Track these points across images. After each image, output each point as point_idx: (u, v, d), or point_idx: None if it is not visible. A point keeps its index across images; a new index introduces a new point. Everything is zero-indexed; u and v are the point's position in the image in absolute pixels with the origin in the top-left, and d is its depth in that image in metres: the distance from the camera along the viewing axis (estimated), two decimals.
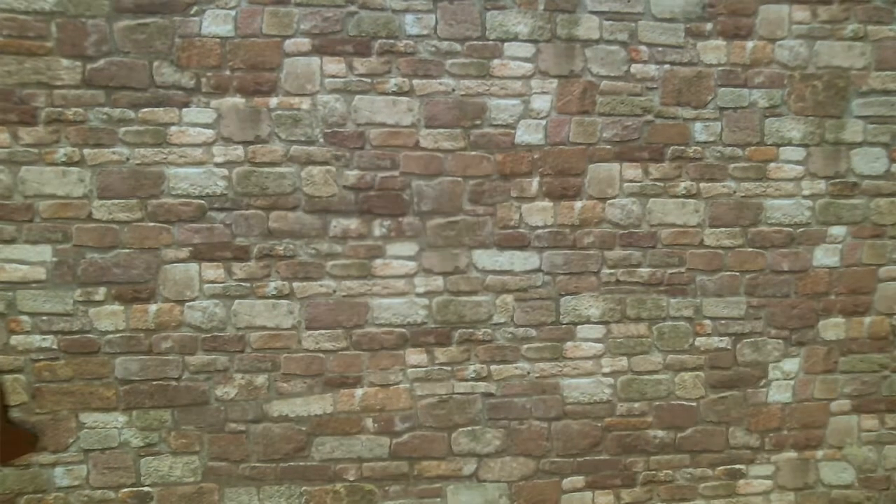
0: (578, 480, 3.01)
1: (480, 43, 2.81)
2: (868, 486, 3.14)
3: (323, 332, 2.83)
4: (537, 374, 2.95)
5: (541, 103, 2.87)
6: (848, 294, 3.07)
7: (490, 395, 2.94)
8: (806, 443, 3.11)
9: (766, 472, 3.10)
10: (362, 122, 2.78)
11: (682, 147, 2.96)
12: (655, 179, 2.96)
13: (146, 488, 2.81)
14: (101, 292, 2.71)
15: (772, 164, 3.01)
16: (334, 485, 2.89)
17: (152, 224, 2.73)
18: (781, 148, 3.01)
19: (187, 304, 2.77)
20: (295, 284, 2.79)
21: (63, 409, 2.74)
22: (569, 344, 2.96)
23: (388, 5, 2.75)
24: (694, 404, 3.04)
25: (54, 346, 2.71)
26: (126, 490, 2.80)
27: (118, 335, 2.74)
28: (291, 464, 2.86)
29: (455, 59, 2.81)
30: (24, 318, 2.69)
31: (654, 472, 3.05)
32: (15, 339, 2.69)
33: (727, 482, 3.09)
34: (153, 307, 2.75)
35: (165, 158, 2.71)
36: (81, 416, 2.75)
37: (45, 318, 2.70)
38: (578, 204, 2.92)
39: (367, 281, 2.83)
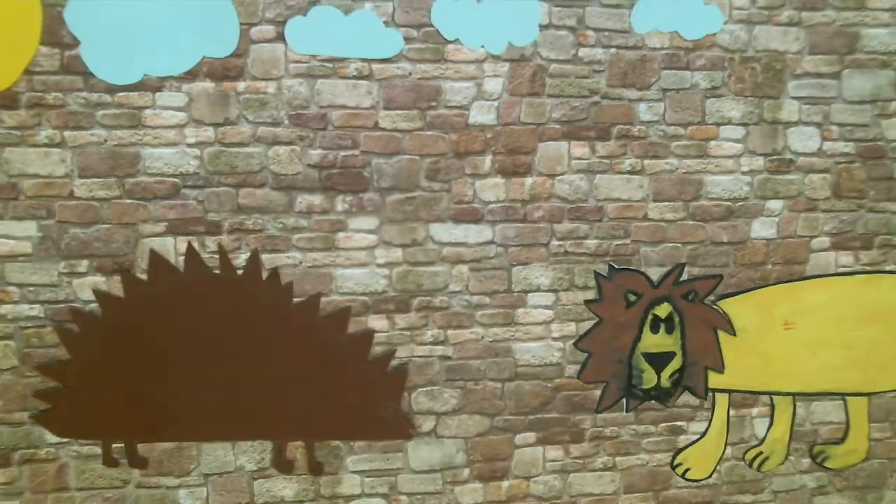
0: (530, 437, 3.25)
1: (434, 28, 2.98)
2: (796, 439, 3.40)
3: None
4: (491, 339, 3.17)
5: (493, 86, 3.05)
6: (784, 264, 3.29)
7: (447, 357, 3.16)
8: (742, 401, 3.35)
9: (706, 427, 3.34)
10: (325, 105, 2.97)
11: (628, 126, 3.14)
12: (602, 157, 3.15)
13: None
14: (83, 265, 2.91)
15: (712, 142, 3.20)
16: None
17: (130, 201, 2.92)
18: (721, 127, 3.20)
19: None
20: (264, 256, 3.00)
21: None
22: (520, 310, 3.18)
23: None
24: None
25: (41, 315, 2.92)
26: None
27: None
28: None
29: (412, 45, 2.98)
30: (13, 288, 2.89)
31: (600, 428, 3.29)
32: (4, 309, 2.90)
33: (669, 438, 3.33)
34: None
35: (141, 139, 2.90)
36: None
37: (31, 288, 2.90)
38: (529, 180, 3.11)
39: (331, 253, 3.04)
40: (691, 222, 3.23)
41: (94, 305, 2.92)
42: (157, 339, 2.95)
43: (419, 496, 3.21)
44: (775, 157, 3.24)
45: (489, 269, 3.13)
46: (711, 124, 3.19)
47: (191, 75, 2.88)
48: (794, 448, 3.38)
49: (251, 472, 3.10)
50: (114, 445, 3.00)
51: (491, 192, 3.09)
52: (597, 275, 3.16)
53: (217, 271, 2.96)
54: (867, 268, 3.31)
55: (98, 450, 3.01)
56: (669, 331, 3.22)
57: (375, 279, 3.07)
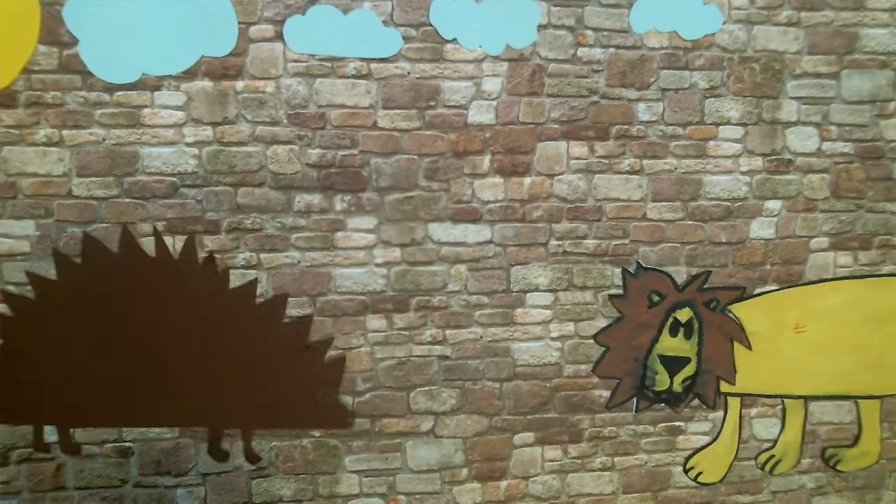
0: (528, 437, 3.25)
1: (433, 28, 2.98)
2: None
3: (290, 299, 3.04)
4: (489, 339, 3.17)
5: (492, 85, 3.05)
6: (782, 264, 3.29)
7: (446, 357, 3.16)
8: (741, 402, 3.34)
9: (704, 428, 3.34)
10: (323, 104, 2.97)
11: (626, 126, 3.14)
12: (601, 157, 3.15)
13: (128, 443, 3.04)
14: None
15: (711, 142, 3.20)
16: (301, 440, 3.12)
17: (128, 200, 2.92)
18: (720, 127, 3.20)
19: None
20: (262, 255, 3.00)
21: None
22: (519, 310, 3.18)
23: None
24: None
25: None
26: (109, 445, 3.03)
27: None
28: None
29: (410, 45, 2.98)
30: (11, 287, 2.89)
31: (599, 428, 3.28)
32: (2, 307, 2.89)
33: (668, 438, 3.33)
34: None
35: (139, 139, 2.90)
36: None
37: (30, 288, 2.90)
38: (527, 180, 3.11)
39: (330, 252, 3.04)
40: (690, 222, 3.23)
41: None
42: (91, 323, 2.91)
43: (417, 496, 3.20)
44: (774, 157, 3.24)
45: (488, 269, 3.13)
46: (710, 124, 3.19)
47: (189, 74, 2.89)
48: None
49: (249, 472, 3.09)
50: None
51: (490, 191, 3.10)
52: (624, 271, 3.17)
53: (153, 255, 2.92)
54: (865, 268, 3.31)
55: (97, 449, 3.01)
56: (688, 336, 3.23)
57: (374, 279, 3.07)
